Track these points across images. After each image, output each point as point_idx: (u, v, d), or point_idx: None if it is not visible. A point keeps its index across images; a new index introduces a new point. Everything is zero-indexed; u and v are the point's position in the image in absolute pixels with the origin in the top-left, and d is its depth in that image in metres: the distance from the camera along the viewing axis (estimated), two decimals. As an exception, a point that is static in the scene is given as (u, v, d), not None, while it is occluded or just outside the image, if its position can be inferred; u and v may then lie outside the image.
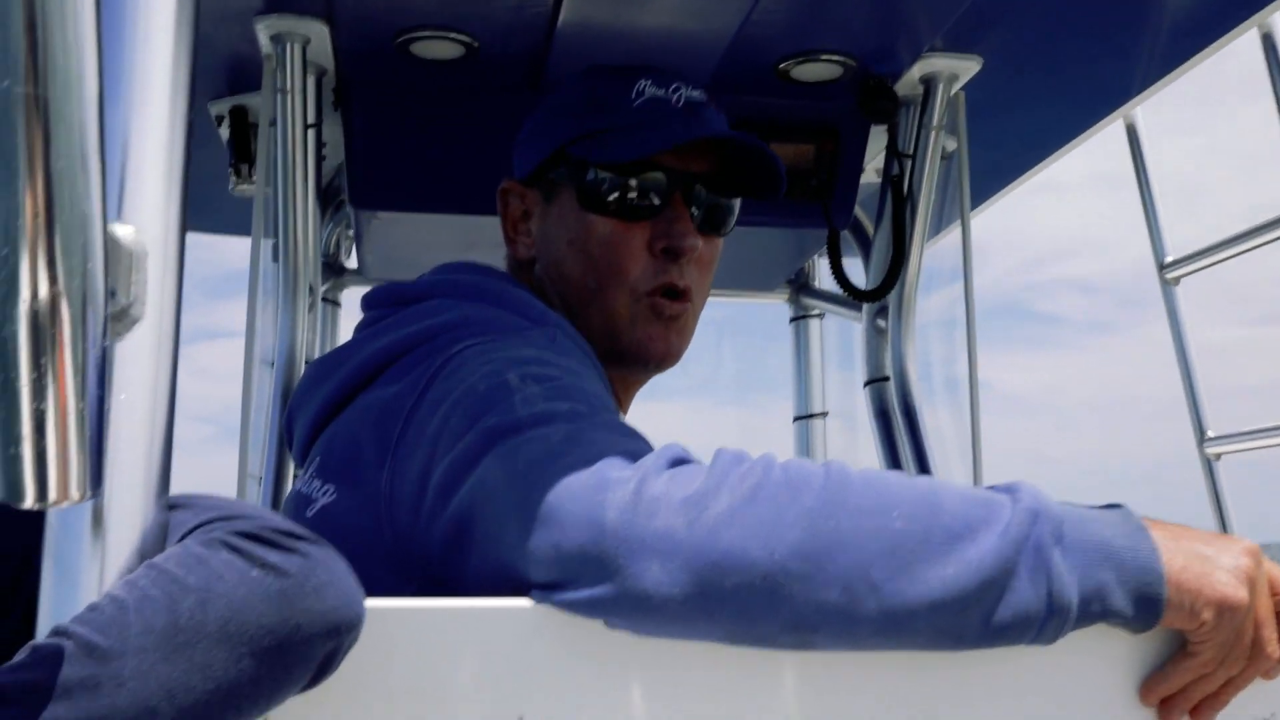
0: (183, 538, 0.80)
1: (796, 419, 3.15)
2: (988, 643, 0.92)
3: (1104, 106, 2.42)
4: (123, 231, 0.81)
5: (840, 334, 3.09)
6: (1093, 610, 0.94)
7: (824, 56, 2.19)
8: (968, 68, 2.29)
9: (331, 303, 2.97)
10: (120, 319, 0.80)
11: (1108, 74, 2.35)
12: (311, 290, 2.41)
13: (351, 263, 2.97)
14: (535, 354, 1.18)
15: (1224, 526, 2.43)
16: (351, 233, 2.78)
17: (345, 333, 2.97)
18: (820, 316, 3.16)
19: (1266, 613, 0.97)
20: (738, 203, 1.54)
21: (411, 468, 1.11)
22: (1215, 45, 2.13)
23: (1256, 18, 2.05)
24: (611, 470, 0.94)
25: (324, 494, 1.23)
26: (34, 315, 0.68)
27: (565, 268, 1.49)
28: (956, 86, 2.34)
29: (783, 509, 0.90)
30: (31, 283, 0.67)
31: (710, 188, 1.50)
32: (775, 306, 3.20)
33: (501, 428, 1.03)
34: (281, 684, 0.79)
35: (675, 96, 1.49)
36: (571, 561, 0.90)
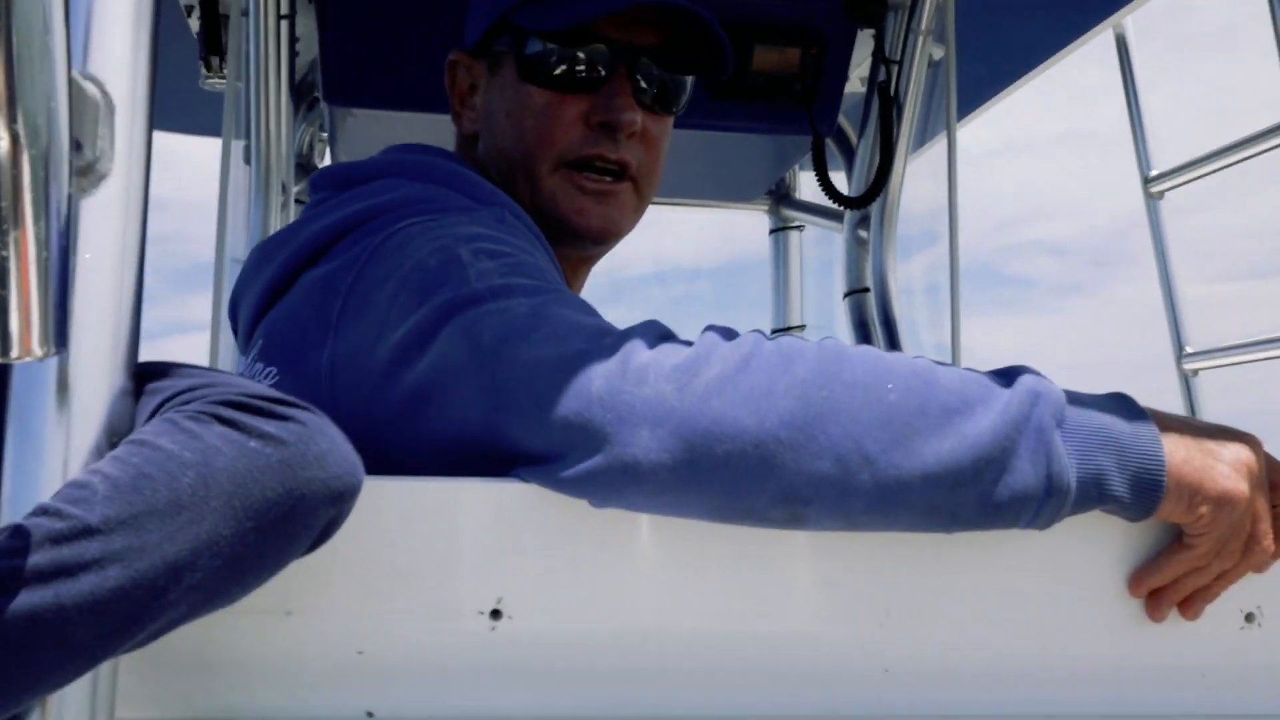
0: (158, 407, 0.77)
1: (774, 331, 3.13)
2: (983, 523, 0.90)
3: (1094, 15, 2.38)
4: (90, 83, 0.77)
5: (819, 247, 3.06)
6: (1091, 495, 0.92)
7: None
8: (958, -29, 2.25)
9: (304, 203, 2.92)
10: (87, 173, 0.77)
11: (1099, -19, 2.31)
12: (284, 189, 2.36)
13: (324, 162, 2.91)
14: (484, 231, 1.14)
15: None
16: (325, 132, 2.71)
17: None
18: (800, 229, 3.12)
19: (1263, 507, 0.95)
20: (688, 80, 1.49)
21: (356, 344, 1.08)
22: (1211, -48, 2.09)
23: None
24: (591, 341, 0.91)
25: (267, 376, 1.19)
26: (-7, 159, 0.64)
27: (501, 141, 1.42)
28: (946, -9, 2.30)
29: (775, 378, 0.87)
30: (-10, 122, 0.63)
31: (657, 62, 1.43)
32: (755, 216, 3.17)
33: (458, 301, 1.00)
34: (285, 553, 0.77)
35: None
36: (559, 433, 0.88)
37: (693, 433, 0.85)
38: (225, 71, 2.29)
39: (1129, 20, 2.46)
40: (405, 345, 1.01)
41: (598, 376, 0.87)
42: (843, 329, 2.66)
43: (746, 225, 3.19)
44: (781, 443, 0.85)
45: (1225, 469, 0.93)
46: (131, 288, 0.78)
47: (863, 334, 2.56)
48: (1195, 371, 2.45)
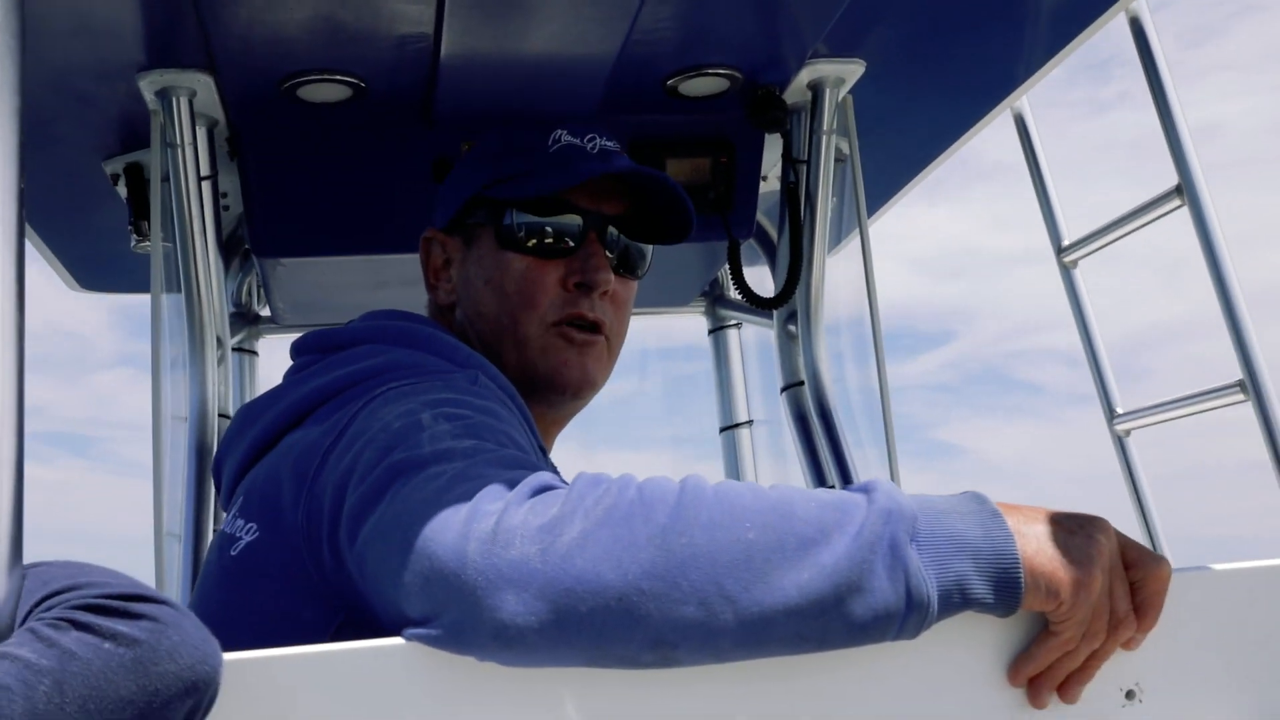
0: (27, 614, 0.80)
1: (722, 430, 3.17)
2: (851, 643, 0.94)
3: (990, 98, 2.46)
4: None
5: (759, 343, 3.11)
6: (954, 601, 0.96)
7: (709, 70, 2.21)
8: (852, 70, 2.32)
9: (248, 352, 2.96)
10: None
11: (991, 66, 2.39)
12: (220, 343, 2.40)
13: (265, 311, 2.96)
14: (453, 396, 1.21)
15: (1140, 502, 2.47)
16: (260, 281, 2.77)
17: (265, 380, 2.96)
18: (738, 326, 3.18)
19: (1120, 585, 0.99)
20: (650, 249, 1.59)
21: (325, 502, 1.13)
22: (1090, 28, 2.17)
23: (1124, 1, 2.10)
24: (484, 503, 0.96)
25: (247, 532, 1.25)
26: None
27: (482, 306, 1.54)
28: (844, 90, 2.37)
29: (635, 529, 0.91)
30: None
31: (623, 229, 1.56)
32: (692, 320, 3.22)
33: (406, 464, 1.05)
34: None
35: (590, 144, 1.57)
36: (437, 594, 0.92)
37: (556, 593, 0.89)
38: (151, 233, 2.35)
39: (1025, 100, 2.54)
40: (359, 505, 1.07)
41: (472, 540, 0.92)
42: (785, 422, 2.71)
43: (686, 328, 3.24)
44: (644, 593, 0.89)
45: (1077, 555, 0.97)
46: (10, 493, 0.82)
47: (802, 426, 2.60)
48: (1127, 432, 2.50)
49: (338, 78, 2.10)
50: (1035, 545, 0.97)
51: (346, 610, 1.11)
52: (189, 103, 2.15)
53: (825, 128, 2.37)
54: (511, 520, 0.92)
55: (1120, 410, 2.51)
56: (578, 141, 1.56)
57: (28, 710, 0.74)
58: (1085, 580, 0.96)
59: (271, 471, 1.27)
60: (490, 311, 1.53)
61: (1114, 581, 0.98)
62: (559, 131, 1.57)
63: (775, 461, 2.98)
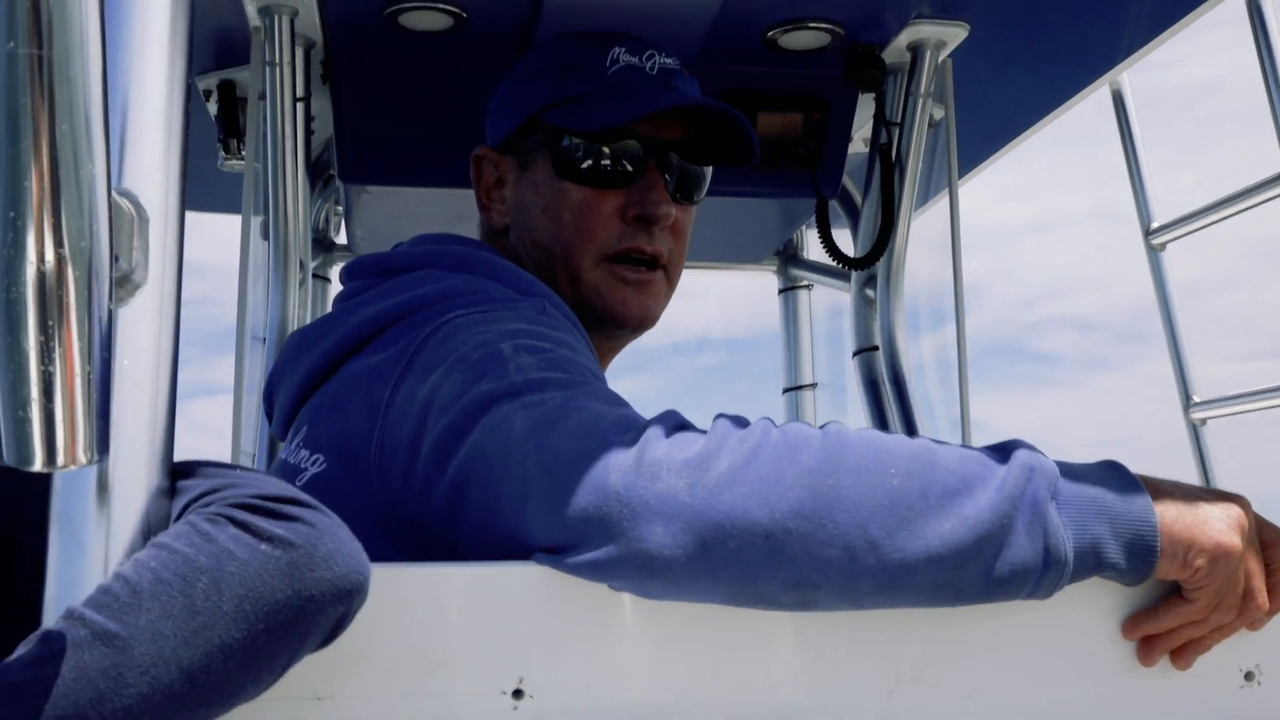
0: (183, 508, 0.81)
1: (785, 390, 3.16)
2: (986, 597, 0.93)
3: (1090, 72, 2.42)
4: (126, 199, 0.81)
5: (829, 305, 3.10)
6: (1088, 564, 0.95)
7: (811, 24, 2.19)
8: (955, 34, 2.29)
9: (322, 278, 2.97)
10: (123, 285, 0.81)
11: (1093, 39, 2.35)
12: (302, 266, 2.41)
13: (341, 238, 2.96)
14: (526, 326, 1.19)
15: (1211, 490, 2.45)
16: (340, 208, 2.77)
17: (337, 308, 2.97)
18: (809, 288, 3.16)
19: (1256, 564, 0.98)
20: (709, 171, 1.56)
21: (402, 434, 1.12)
22: (1201, 9, 2.14)
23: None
24: (611, 435, 0.95)
25: (313, 463, 1.23)
26: (41, 279, 0.68)
27: (538, 234, 1.51)
28: (944, 54, 2.34)
29: (783, 469, 0.91)
30: (39, 247, 0.68)
31: (684, 155, 1.51)
32: (764, 277, 3.21)
33: (496, 394, 1.04)
34: (297, 651, 0.80)
35: (650, 64, 1.52)
36: (575, 525, 0.91)
37: (705, 527, 0.89)
38: (244, 153, 2.35)
39: (1125, 76, 2.50)
40: (446, 435, 1.06)
41: (614, 470, 0.91)
42: (853, 387, 2.70)
43: (756, 286, 3.23)
44: (790, 533, 0.89)
45: (1218, 524, 0.96)
46: (166, 392, 0.82)
47: (872, 392, 2.59)
48: (1203, 420, 2.47)
49: (440, 6, 2.09)
50: (1174, 513, 0.96)
51: (416, 542, 1.11)
52: (290, 22, 2.14)
53: (922, 90, 2.35)
54: (655, 453, 0.92)
55: (1197, 398, 2.48)
56: (636, 60, 1.51)
57: (186, 607, 0.74)
58: (1226, 549, 0.96)
59: (336, 401, 1.26)
60: (545, 240, 1.50)
61: (1250, 557, 0.97)
62: (617, 49, 1.52)
63: (839, 425, 2.97)
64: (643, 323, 1.51)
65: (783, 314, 3.19)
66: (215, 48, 2.34)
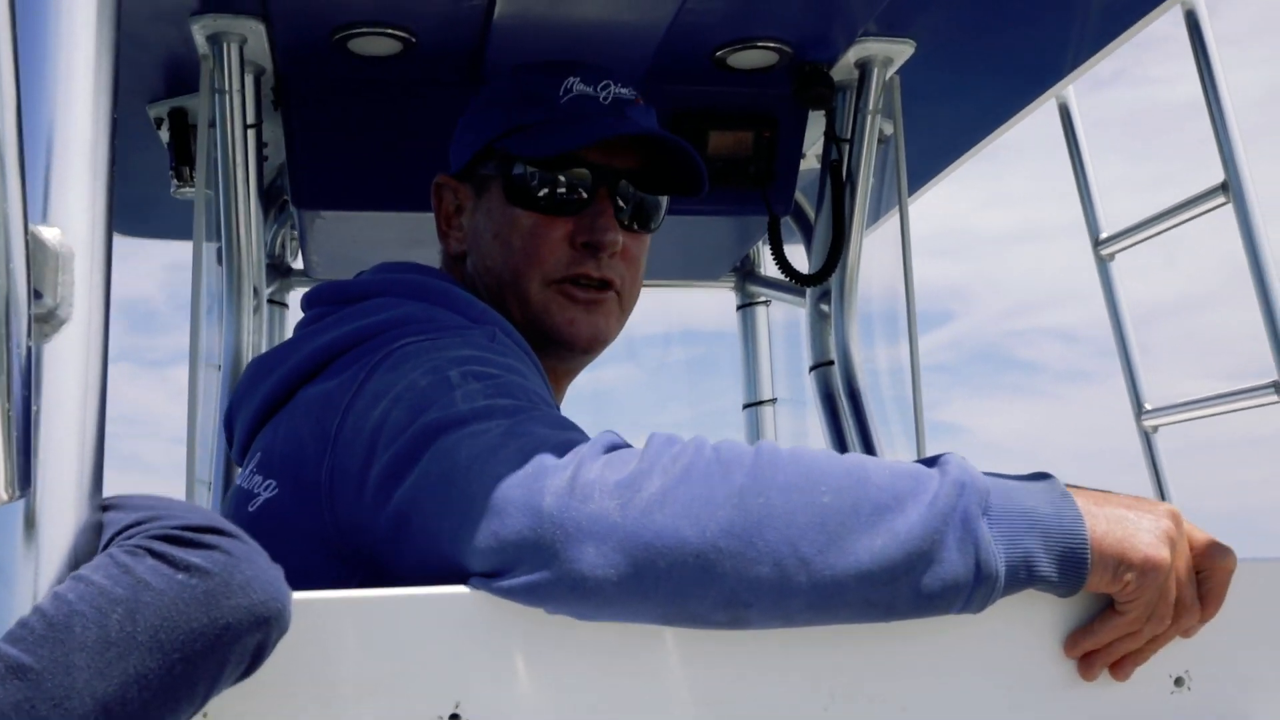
0: (108, 541, 0.81)
1: (746, 406, 3.18)
2: (918, 612, 0.94)
3: (1037, 86, 2.45)
4: (48, 233, 0.81)
5: (787, 320, 3.12)
6: (1020, 577, 0.96)
7: (759, 44, 2.21)
8: (902, 51, 2.32)
9: (279, 303, 2.97)
10: (47, 320, 0.81)
11: (1039, 54, 2.38)
12: (256, 292, 2.40)
13: (298, 263, 2.96)
14: (475, 353, 1.20)
15: (1163, 498, 2.47)
16: (296, 233, 2.77)
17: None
18: (766, 303, 3.18)
19: (1187, 572, 1.00)
20: (664, 200, 1.57)
21: (352, 460, 1.13)
22: (1144, 20, 2.17)
23: (1180, -6, 2.09)
24: (548, 459, 0.96)
25: (265, 489, 1.24)
26: (-45, 317, 0.68)
27: (490, 260, 1.52)
28: (891, 70, 2.37)
29: (714, 488, 0.92)
30: (-48, 285, 0.68)
31: (636, 184, 1.53)
32: (721, 294, 3.23)
33: (443, 423, 1.05)
34: (215, 681, 0.80)
35: (604, 94, 1.53)
36: (510, 548, 0.92)
37: (635, 547, 0.90)
38: (196, 180, 2.35)
39: (1071, 90, 2.53)
40: (393, 464, 1.07)
41: (548, 493, 0.92)
42: (813, 401, 2.71)
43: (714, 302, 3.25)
44: (721, 551, 0.90)
45: (1146, 537, 0.98)
46: (94, 426, 0.82)
47: (829, 406, 2.61)
48: (1155, 428, 2.50)
49: (389, 31, 2.10)
50: (1105, 526, 0.97)
51: (365, 568, 1.11)
52: (239, 49, 2.15)
53: (871, 107, 2.37)
54: (588, 475, 0.93)
55: (1149, 406, 2.51)
56: (590, 90, 1.52)
57: (101, 637, 0.74)
58: (1155, 562, 0.97)
59: (289, 428, 1.27)
60: (496, 265, 1.51)
61: (1180, 567, 0.99)
62: (571, 79, 1.53)
63: (798, 440, 2.99)
64: (593, 343, 1.52)
65: (741, 330, 3.21)
66: (165, 75, 2.34)
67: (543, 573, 0.91)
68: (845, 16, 2.17)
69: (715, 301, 3.24)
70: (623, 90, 1.55)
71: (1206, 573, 1.00)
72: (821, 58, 2.29)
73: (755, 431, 3.15)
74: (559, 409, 1.35)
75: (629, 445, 1.00)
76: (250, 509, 1.24)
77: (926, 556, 0.92)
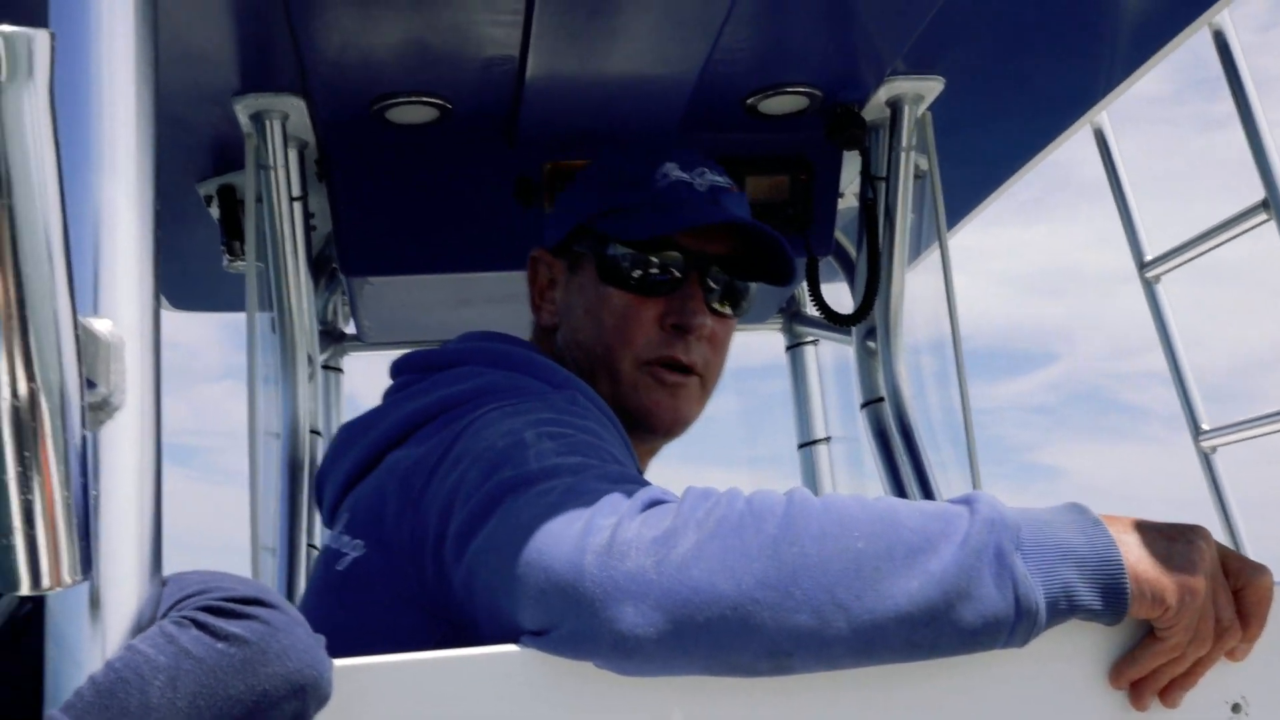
0: (163, 614, 0.84)
1: (801, 446, 3.18)
2: (961, 650, 0.95)
3: (1070, 113, 2.46)
4: (98, 324, 0.85)
5: (839, 358, 3.12)
6: (1061, 608, 0.97)
7: (789, 89, 2.23)
8: (931, 87, 2.33)
9: (333, 369, 3.02)
10: (101, 408, 0.84)
11: (1070, 81, 2.39)
12: (311, 360, 2.46)
13: (350, 329, 3.02)
14: (553, 415, 1.25)
15: (1227, 519, 2.45)
16: (346, 299, 2.83)
17: (349, 399, 3.02)
18: (815, 343, 3.19)
19: (1224, 594, 1.00)
20: (753, 286, 1.61)
21: (431, 520, 1.17)
22: (1171, 44, 2.17)
23: (1206, 15, 2.09)
24: (598, 517, 0.98)
25: (354, 548, 1.29)
26: (15, 412, 0.72)
27: (580, 334, 1.57)
28: (923, 107, 2.38)
29: (747, 540, 0.93)
30: (10, 381, 0.72)
31: (726, 269, 1.57)
32: (770, 336, 3.24)
33: (514, 481, 1.09)
34: None
35: (699, 180, 1.58)
36: (554, 605, 0.94)
37: (672, 603, 0.91)
38: (245, 252, 2.42)
39: (1105, 115, 2.54)
40: (467, 522, 1.10)
41: (590, 552, 0.94)
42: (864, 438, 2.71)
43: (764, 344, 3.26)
44: (759, 602, 0.91)
45: (1179, 561, 0.98)
46: (151, 507, 0.86)
47: (882, 442, 2.61)
48: (1214, 449, 2.48)
49: (425, 99, 2.15)
50: (1138, 553, 0.98)
51: (449, 624, 1.14)
52: (282, 125, 2.21)
53: (904, 144, 2.39)
54: (626, 533, 0.95)
55: (1206, 426, 2.49)
56: (686, 176, 1.57)
57: (142, 703, 0.78)
58: (1190, 586, 0.97)
59: (377, 490, 1.31)
60: (587, 340, 1.56)
61: (1217, 588, 0.99)
62: (669, 165, 1.57)
63: (854, 478, 2.99)
64: (674, 427, 1.56)
65: (791, 370, 3.21)
66: (212, 154, 2.41)
67: (584, 631, 0.93)
68: (872, 57, 2.20)
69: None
70: (718, 178, 1.60)
71: (1242, 592, 1.00)
72: (852, 98, 2.31)
73: (811, 470, 3.16)
74: (637, 468, 1.38)
75: (670, 500, 1.02)
76: (339, 568, 1.30)
77: (964, 594, 0.93)
